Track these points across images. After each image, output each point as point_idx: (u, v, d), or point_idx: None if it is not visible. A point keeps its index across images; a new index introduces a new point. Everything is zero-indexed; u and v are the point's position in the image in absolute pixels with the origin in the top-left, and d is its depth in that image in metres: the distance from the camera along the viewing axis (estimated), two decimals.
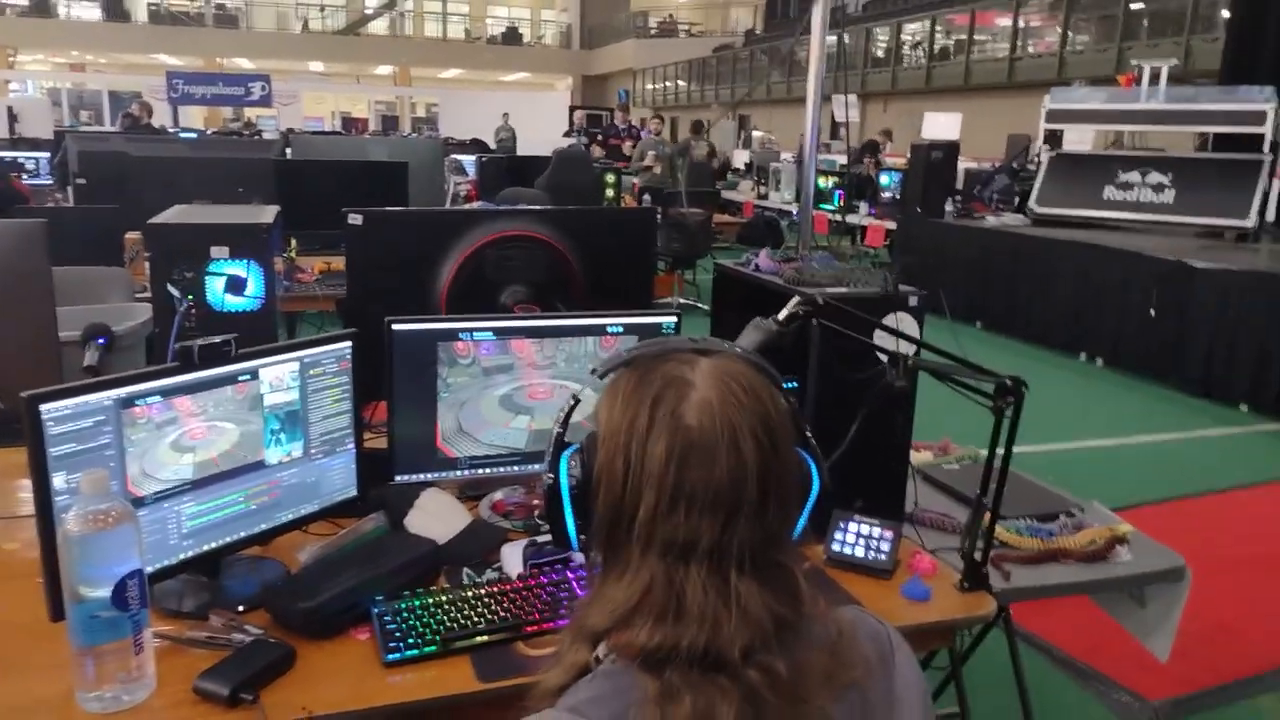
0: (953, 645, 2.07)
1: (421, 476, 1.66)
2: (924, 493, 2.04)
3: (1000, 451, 1.46)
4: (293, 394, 1.44)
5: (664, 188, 8.90)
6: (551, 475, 0.83)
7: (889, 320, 1.57)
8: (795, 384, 1.83)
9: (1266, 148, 6.63)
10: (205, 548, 1.36)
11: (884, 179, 8.90)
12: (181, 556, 1.33)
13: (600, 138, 11.95)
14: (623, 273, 2.14)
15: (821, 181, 9.72)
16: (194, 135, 12.75)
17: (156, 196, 2.59)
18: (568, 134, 15.58)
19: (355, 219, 1.82)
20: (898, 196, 8.49)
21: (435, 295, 1.94)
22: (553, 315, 1.74)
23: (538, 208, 2.39)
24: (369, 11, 30.03)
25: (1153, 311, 5.79)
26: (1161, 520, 3.90)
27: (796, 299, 1.45)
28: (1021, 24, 14.88)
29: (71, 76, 25.75)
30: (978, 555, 1.51)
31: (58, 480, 1.17)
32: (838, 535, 1.57)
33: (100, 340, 1.89)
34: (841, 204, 9.13)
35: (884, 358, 1.55)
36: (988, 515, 1.73)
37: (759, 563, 0.77)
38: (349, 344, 1.50)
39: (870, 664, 0.82)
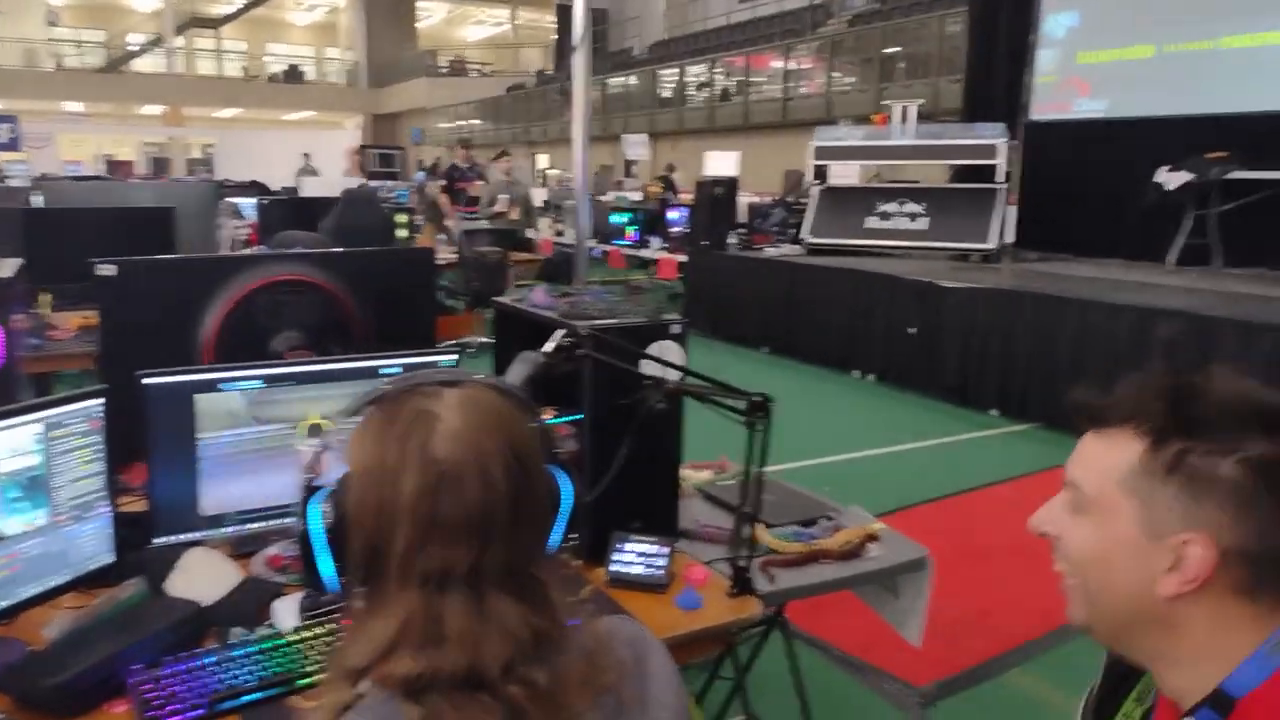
0: (735, 654, 2.20)
1: (185, 537, 1.59)
2: (704, 509, 2.17)
3: (755, 462, 1.58)
4: (35, 458, 1.35)
5: (518, 232, 8.59)
6: (302, 521, 0.84)
7: (654, 348, 1.67)
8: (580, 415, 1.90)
9: (1000, 177, 7.47)
10: None
11: (673, 214, 9.27)
12: None
13: (444, 183, 11.10)
14: (404, 313, 2.15)
15: (616, 217, 10.02)
16: None
17: None
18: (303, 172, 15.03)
19: (107, 269, 1.73)
20: (686, 230, 8.87)
21: (200, 345, 1.87)
22: (321, 360, 1.72)
23: (308, 251, 2.35)
24: (133, 48, 28.03)
25: (911, 330, 6.35)
26: (926, 518, 4.26)
27: (560, 332, 1.52)
28: (793, 66, 15.99)
29: None
30: (742, 563, 1.62)
31: None
32: (616, 556, 1.64)
33: None
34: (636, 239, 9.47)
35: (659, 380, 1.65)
36: (761, 525, 1.88)
37: (515, 580, 0.80)
38: (100, 401, 1.43)
39: (625, 667, 0.86)
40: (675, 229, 9.17)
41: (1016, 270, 7.27)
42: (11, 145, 21.45)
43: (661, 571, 1.62)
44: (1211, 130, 6.74)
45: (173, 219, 3.88)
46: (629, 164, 15.99)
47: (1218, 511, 0.77)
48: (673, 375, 1.64)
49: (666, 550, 1.64)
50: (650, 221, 9.57)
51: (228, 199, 7.96)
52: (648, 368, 1.64)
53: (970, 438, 5.65)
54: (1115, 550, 0.83)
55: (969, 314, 6.07)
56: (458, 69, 29.73)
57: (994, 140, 7.46)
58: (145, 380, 1.50)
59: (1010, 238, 7.98)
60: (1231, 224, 6.65)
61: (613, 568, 1.63)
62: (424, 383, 0.84)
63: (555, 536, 0.89)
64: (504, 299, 1.96)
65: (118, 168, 21.44)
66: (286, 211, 6.94)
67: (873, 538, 1.99)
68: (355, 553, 0.81)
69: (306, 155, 17.69)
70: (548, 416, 1.92)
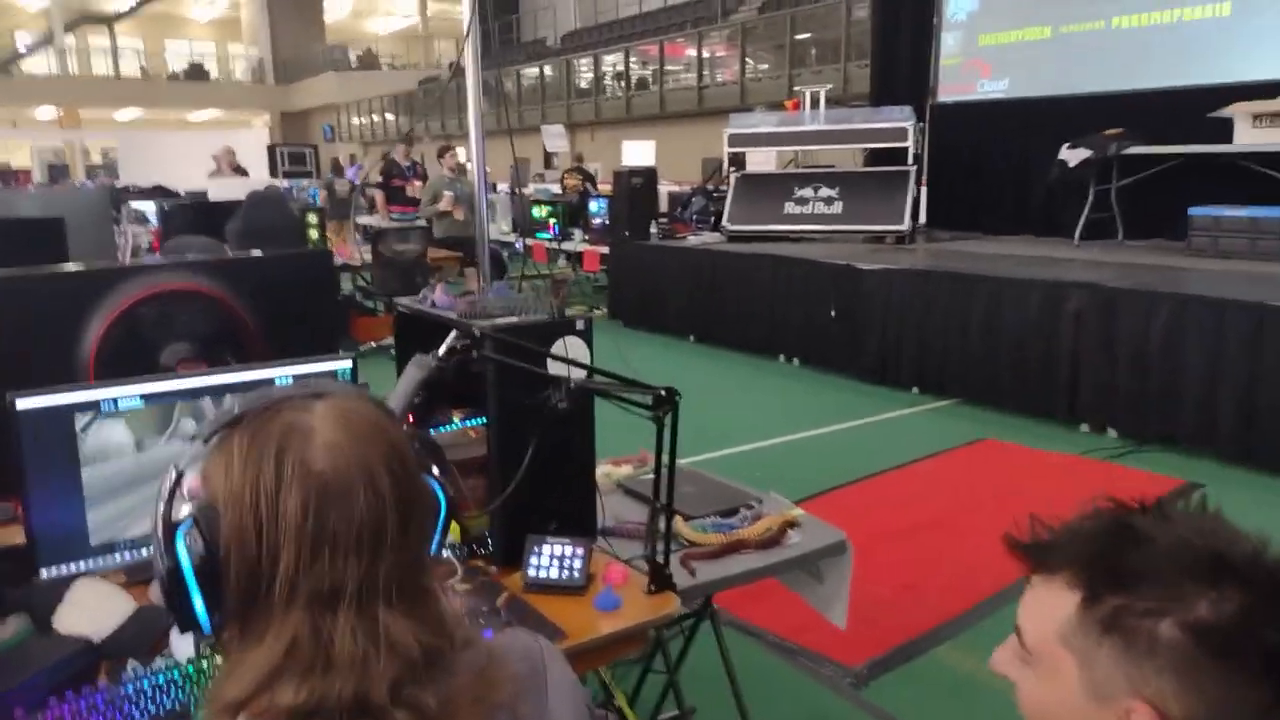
0: (665, 649, 2.19)
1: (74, 567, 1.50)
2: (625, 505, 2.14)
3: (665, 456, 1.56)
4: None
5: (465, 237, 7.69)
6: (167, 559, 0.78)
7: (558, 345, 1.63)
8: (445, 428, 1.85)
9: (910, 160, 7.61)
10: None
11: (594, 206, 9.22)
12: None
13: (382, 181, 10.21)
14: (301, 319, 2.06)
15: (537, 211, 9.92)
16: None
17: None
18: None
19: None
20: (607, 222, 8.83)
21: (81, 363, 1.76)
22: (205, 373, 1.64)
23: (195, 259, 2.25)
24: (22, 50, 26.68)
25: (832, 312, 6.44)
26: (851, 499, 4.33)
27: (454, 334, 1.48)
28: (707, 55, 16.05)
29: None
30: (659, 558, 1.60)
31: None
32: (533, 560, 1.61)
33: None
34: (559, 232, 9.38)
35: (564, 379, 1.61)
36: (670, 518, 1.86)
37: (406, 592, 0.78)
38: None
39: (521, 682, 0.84)
40: (597, 220, 9.12)
41: (931, 250, 7.42)
42: None
43: (578, 573, 1.60)
44: (1109, 108, 6.97)
45: (63, 229, 3.67)
46: (548, 156, 15.87)
47: (1158, 679, 0.69)
48: (578, 373, 1.60)
49: (583, 551, 1.61)
50: (571, 214, 9.50)
51: (132, 204, 7.64)
52: (553, 367, 1.61)
53: (892, 416, 5.75)
54: (1060, 711, 0.76)
55: (885, 295, 6.17)
56: (368, 63, 29.07)
57: (902, 123, 7.59)
58: (20, 402, 1.40)
59: (923, 219, 8.16)
60: (1131, 198, 6.90)
61: (529, 573, 1.60)
62: (289, 397, 0.80)
63: (435, 544, 0.87)
64: (404, 300, 1.90)
65: (12, 177, 20.43)
66: (191, 216, 6.67)
67: (792, 524, 1.99)
68: (233, 583, 0.76)
69: (231, 151, 16.94)
70: (456, 419, 1.87)
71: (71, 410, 1.45)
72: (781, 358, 6.97)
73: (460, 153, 8.33)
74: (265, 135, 26.33)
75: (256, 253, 2.36)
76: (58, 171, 21.61)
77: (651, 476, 2.38)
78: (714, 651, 2.18)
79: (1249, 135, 6.24)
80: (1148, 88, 6.99)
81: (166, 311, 1.83)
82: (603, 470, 2.21)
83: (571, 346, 1.64)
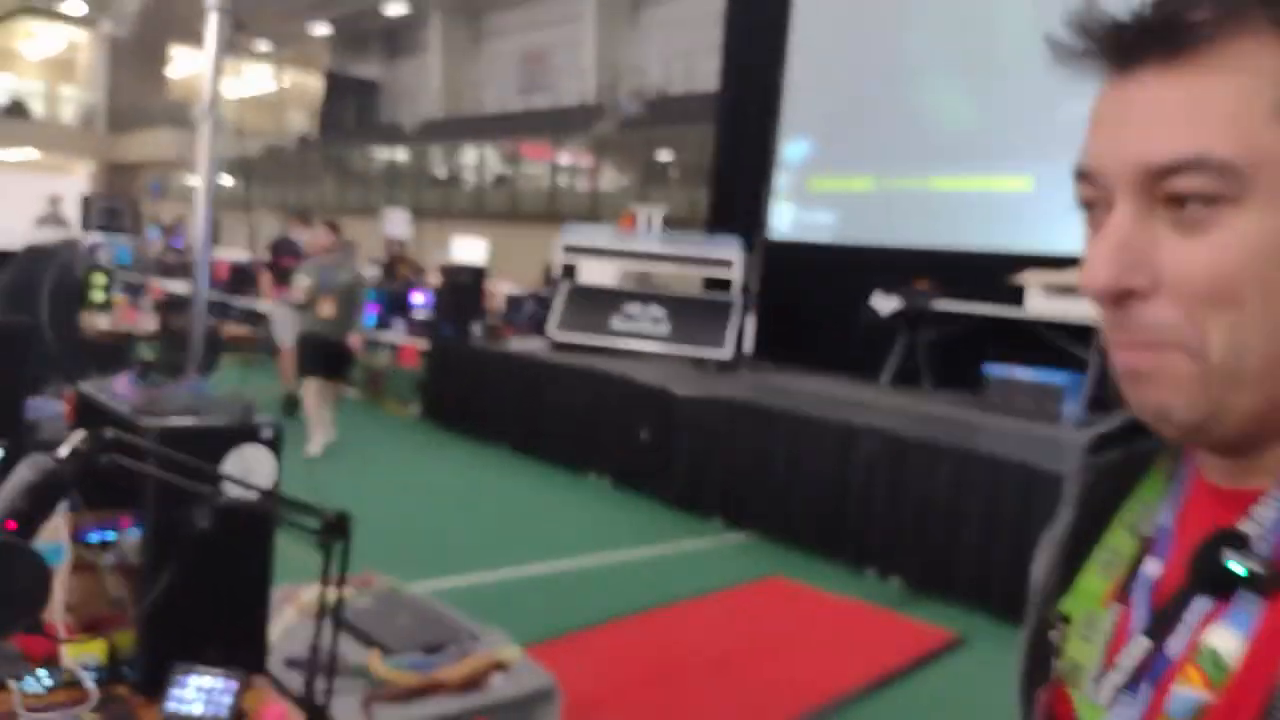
0: None
1: None
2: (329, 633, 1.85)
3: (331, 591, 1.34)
4: None
5: (337, 337, 6.68)
6: None
7: (235, 454, 1.39)
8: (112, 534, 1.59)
9: (736, 290, 7.72)
10: None
11: (418, 297, 8.88)
12: None
13: (271, 259, 8.87)
14: None
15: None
16: None
17: None
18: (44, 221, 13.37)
19: None
20: (430, 317, 8.50)
21: None
22: None
23: None
24: None
25: (643, 434, 6.30)
26: (628, 634, 4.14)
27: (80, 433, 1.22)
28: (566, 161, 16.26)
29: None
30: (319, 698, 1.38)
31: None
32: (175, 691, 1.39)
33: None
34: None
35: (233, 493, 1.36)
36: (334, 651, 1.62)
37: None
38: None
39: None
40: (419, 313, 8.77)
41: (749, 380, 7.46)
42: None
43: (225, 710, 1.38)
44: (925, 261, 7.33)
45: None
46: (388, 241, 15.45)
47: None
48: (249, 489, 1.35)
49: (235, 685, 1.39)
50: (394, 302, 9.10)
51: None
52: (228, 480, 1.36)
53: (691, 546, 5.62)
54: None
55: (696, 422, 6.10)
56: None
57: (729, 254, 7.74)
58: None
59: (751, 348, 8.26)
60: (938, 349, 7.20)
61: (169, 705, 1.39)
62: None
63: None
64: (84, 386, 1.62)
65: None
66: None
67: (500, 666, 1.81)
68: None
69: (55, 199, 15.45)
70: (124, 524, 1.60)
71: None
72: (593, 475, 6.75)
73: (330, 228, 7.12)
74: (84, 184, 24.56)
75: None
76: None
77: (365, 601, 2.09)
78: None
79: (1040, 303, 6.66)
80: (959, 247, 7.41)
81: None
82: (309, 594, 1.94)
83: (252, 457, 1.40)
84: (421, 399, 8.43)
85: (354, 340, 7.04)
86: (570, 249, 8.18)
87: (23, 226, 10.37)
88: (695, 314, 7.81)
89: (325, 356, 6.67)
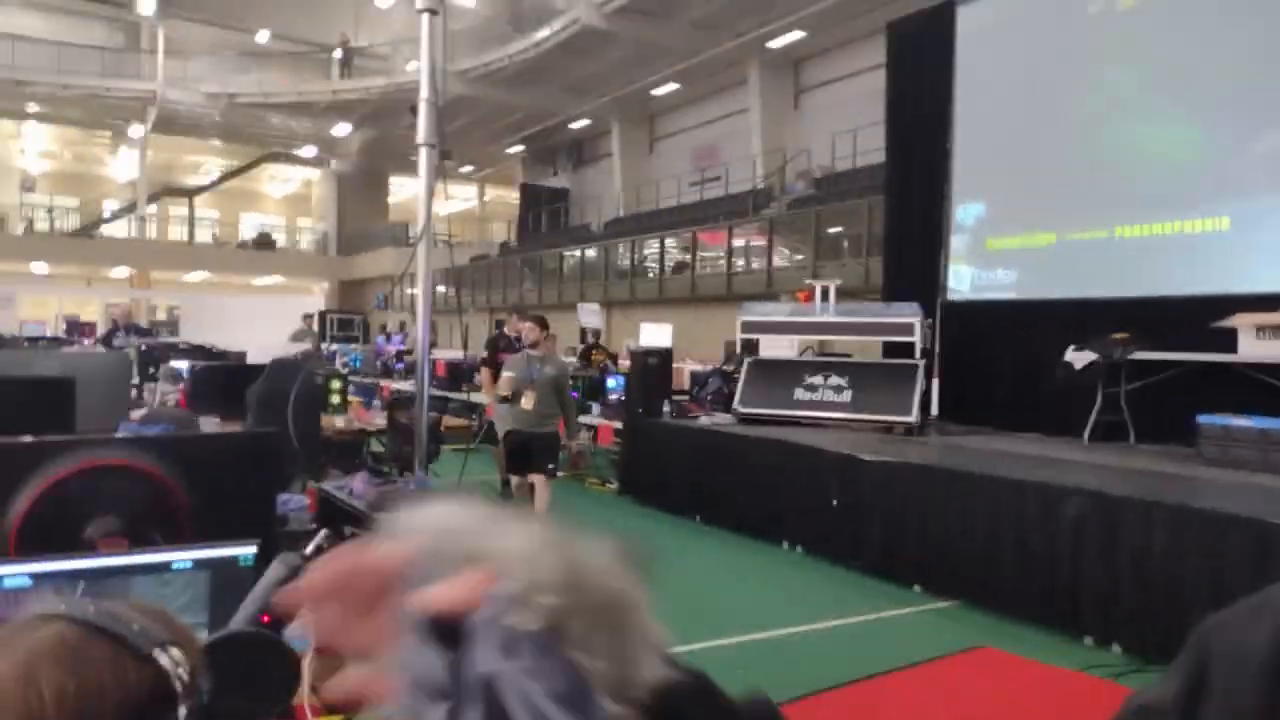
0: None
1: None
2: None
3: None
4: None
5: (542, 429, 6.68)
6: None
7: None
8: None
9: (918, 354, 7.74)
10: None
11: (611, 381, 9.44)
12: None
13: (486, 356, 9.01)
14: (238, 500, 2.15)
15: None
16: None
17: None
18: (299, 336, 15.04)
19: None
20: (624, 398, 9.01)
21: (7, 533, 1.85)
22: (118, 553, 1.71)
23: (147, 433, 2.38)
24: (106, 216, 28.84)
25: (834, 501, 6.39)
26: (837, 705, 4.14)
27: (323, 533, 1.52)
28: (740, 244, 16.79)
29: None
30: None
31: None
32: None
33: None
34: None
35: None
36: None
37: None
38: None
39: None
40: (614, 396, 9.31)
41: (939, 444, 7.41)
42: None
43: None
44: (1114, 313, 7.10)
45: (71, 390, 3.88)
46: (583, 331, 16.40)
47: None
48: None
49: None
50: (591, 388, 9.71)
51: (172, 363, 8.00)
52: None
53: (890, 615, 5.57)
54: None
55: (887, 488, 6.13)
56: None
57: (909, 319, 7.78)
58: None
59: (936, 411, 8.19)
60: (1141, 401, 6.88)
61: None
62: (31, 619, 0.76)
63: None
64: (325, 485, 1.96)
65: (78, 328, 21.47)
66: (218, 376, 6.97)
67: None
68: None
69: (307, 317, 17.29)
70: None
71: None
72: (785, 544, 6.87)
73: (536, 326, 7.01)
74: (321, 301, 27.59)
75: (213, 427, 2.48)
76: (74, 327, 21.51)
77: None
78: None
79: (1254, 346, 6.28)
80: (1152, 295, 7.12)
81: (96, 486, 1.92)
82: None
83: None
84: (619, 475, 8.89)
85: (575, 442, 7.05)
86: (750, 326, 8.49)
87: (275, 341, 11.87)
88: (878, 380, 7.87)
89: (529, 453, 6.72)
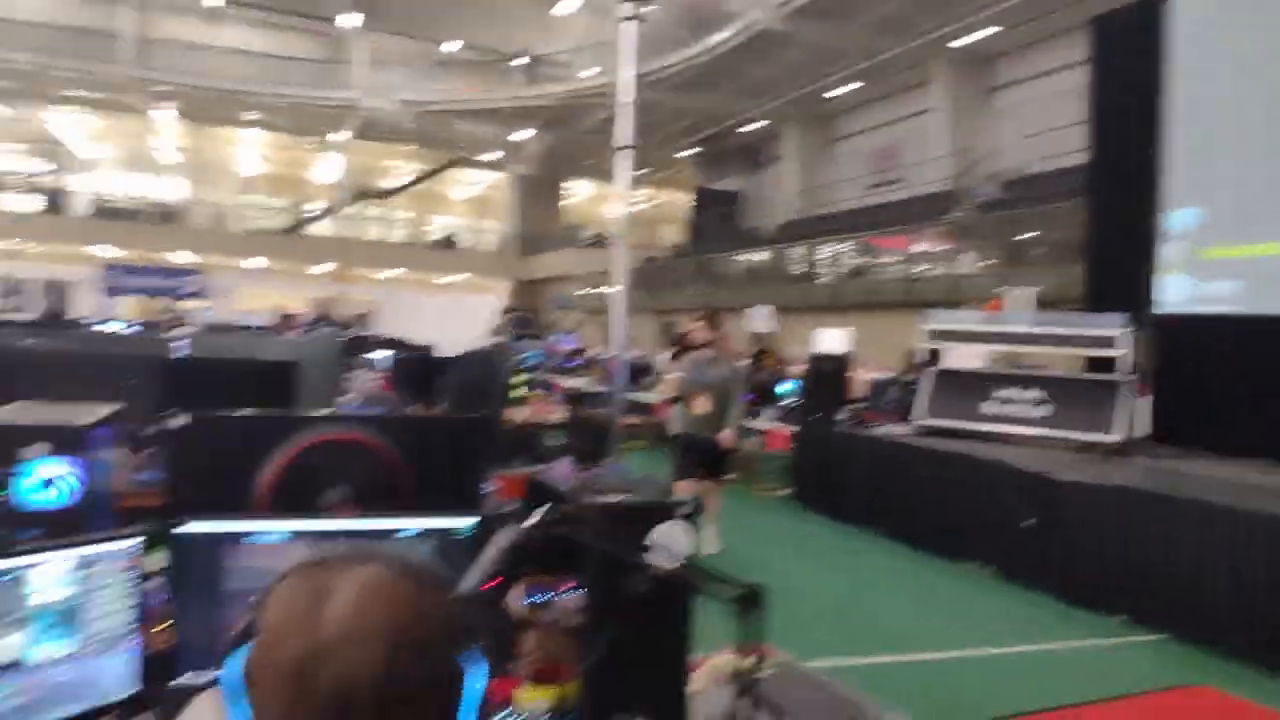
0: None
1: (205, 677, 1.66)
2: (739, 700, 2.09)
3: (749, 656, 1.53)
4: (68, 591, 1.47)
5: (711, 433, 6.48)
6: (220, 671, 0.89)
7: (659, 529, 1.68)
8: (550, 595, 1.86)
9: (1122, 369, 7.17)
10: None
11: (783, 387, 9.31)
12: None
13: (672, 356, 9.22)
14: (451, 476, 2.25)
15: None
16: (130, 325, 12.89)
17: (45, 389, 2.61)
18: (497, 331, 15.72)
19: (177, 421, 1.92)
20: (798, 404, 8.86)
21: (256, 496, 2.01)
22: (350, 517, 1.81)
23: (366, 413, 2.52)
24: (310, 214, 31.24)
25: (1026, 522, 6.02)
26: None
27: (543, 508, 1.56)
28: (923, 248, 16.14)
29: (6, 264, 25.89)
30: None
31: None
32: None
33: None
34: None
35: (656, 564, 1.65)
36: None
37: None
38: (135, 542, 1.55)
39: None
40: (785, 401, 9.18)
41: (1146, 466, 6.83)
42: (198, 294, 23.99)
43: None
44: None
45: (295, 372, 4.20)
46: (753, 335, 16.29)
47: None
48: (672, 558, 1.63)
49: None
50: (761, 393, 9.62)
51: (368, 354, 8.55)
52: (654, 551, 1.65)
53: (1087, 644, 5.21)
54: None
55: (1086, 511, 5.73)
56: (600, 242, 31.48)
57: (1112, 332, 7.23)
58: (180, 528, 1.63)
59: (1144, 430, 7.56)
60: None
61: None
62: (345, 556, 0.88)
63: None
64: (530, 469, 2.03)
65: (288, 319, 23.29)
66: (415, 365, 7.39)
67: None
68: (255, 705, 0.85)
69: (510, 313, 17.80)
70: (563, 587, 1.94)
71: (222, 538, 1.66)
72: (967, 562, 6.54)
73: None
74: (502, 300, 28.76)
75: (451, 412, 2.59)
76: (284, 318, 23.07)
77: (771, 673, 2.33)
78: None
79: None
80: None
81: (333, 457, 2.06)
82: (722, 658, 2.17)
83: (671, 533, 1.68)
84: (791, 482, 8.75)
85: (726, 436, 6.68)
86: (937, 334, 8.15)
87: (461, 335, 12.47)
88: (1077, 395, 7.36)
89: (699, 457, 6.55)
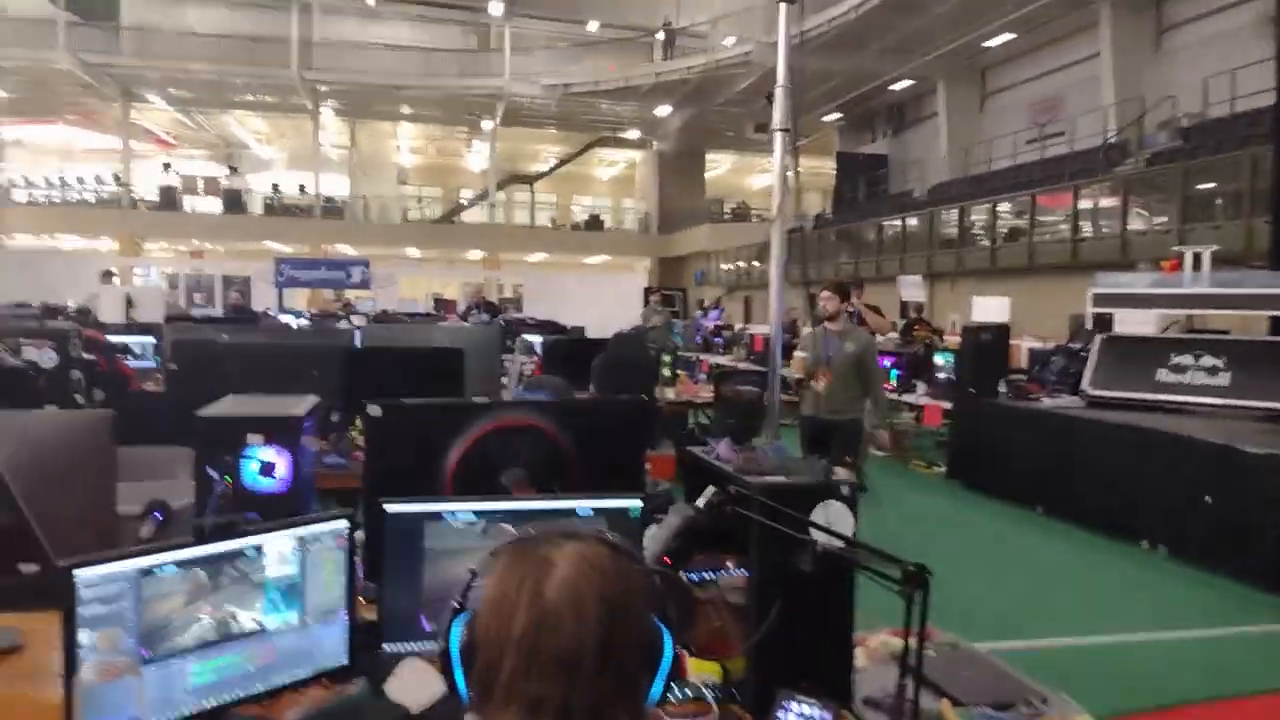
0: None
1: (408, 646, 1.84)
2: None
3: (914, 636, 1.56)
4: (292, 567, 1.66)
5: (841, 414, 6.06)
6: (442, 640, 1.02)
7: (819, 508, 1.73)
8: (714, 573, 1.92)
9: None
10: (206, 704, 1.56)
11: (940, 359, 9.04)
12: (185, 712, 1.53)
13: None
14: (615, 458, 2.36)
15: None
16: (300, 316, 13.93)
17: (241, 381, 2.88)
18: (651, 313, 15.88)
19: (374, 410, 2.10)
20: (954, 377, 8.59)
21: (442, 479, 2.18)
22: (530, 497, 1.94)
23: (536, 398, 2.66)
24: (463, 202, 32.49)
25: (1208, 498, 5.66)
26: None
27: (712, 489, 1.63)
28: (1087, 205, 15.16)
29: (191, 263, 28.30)
30: None
31: (84, 637, 1.39)
32: (780, 714, 1.67)
33: (157, 515, 2.16)
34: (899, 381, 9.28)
35: (820, 542, 1.69)
36: (947, 702, 1.84)
37: (601, 718, 0.92)
38: (345, 522, 1.73)
39: None
40: (941, 374, 8.92)
41: None
42: (363, 284, 25.47)
43: None
44: None
45: (462, 359, 4.45)
46: (904, 305, 15.85)
47: None
48: (833, 538, 1.67)
49: (830, 716, 1.65)
50: (914, 366, 9.37)
51: (524, 337, 8.89)
52: (814, 529, 1.70)
53: (1266, 630, 4.87)
54: None
55: (1273, 485, 5.32)
56: (740, 215, 31.25)
57: None
58: (388, 508, 1.80)
59: None
60: None
61: None
62: (552, 534, 1.00)
63: (655, 689, 0.99)
64: (692, 448, 2.10)
65: (443, 305, 24.40)
66: (565, 348, 7.63)
67: None
68: (475, 673, 0.97)
69: (655, 298, 17.82)
70: (724, 565, 2.01)
71: (422, 518, 1.82)
72: (1143, 543, 6.21)
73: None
74: (644, 278, 29.13)
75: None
76: (440, 305, 23.72)
77: (931, 653, 2.33)
78: None
79: None
80: None
81: (509, 441, 2.20)
82: (881, 638, 2.20)
83: (833, 512, 1.72)
84: (947, 458, 8.52)
85: (880, 438, 6.79)
86: (1104, 298, 7.71)
87: (607, 315, 12.67)
88: (1264, 361, 6.80)
89: (823, 441, 6.03)
